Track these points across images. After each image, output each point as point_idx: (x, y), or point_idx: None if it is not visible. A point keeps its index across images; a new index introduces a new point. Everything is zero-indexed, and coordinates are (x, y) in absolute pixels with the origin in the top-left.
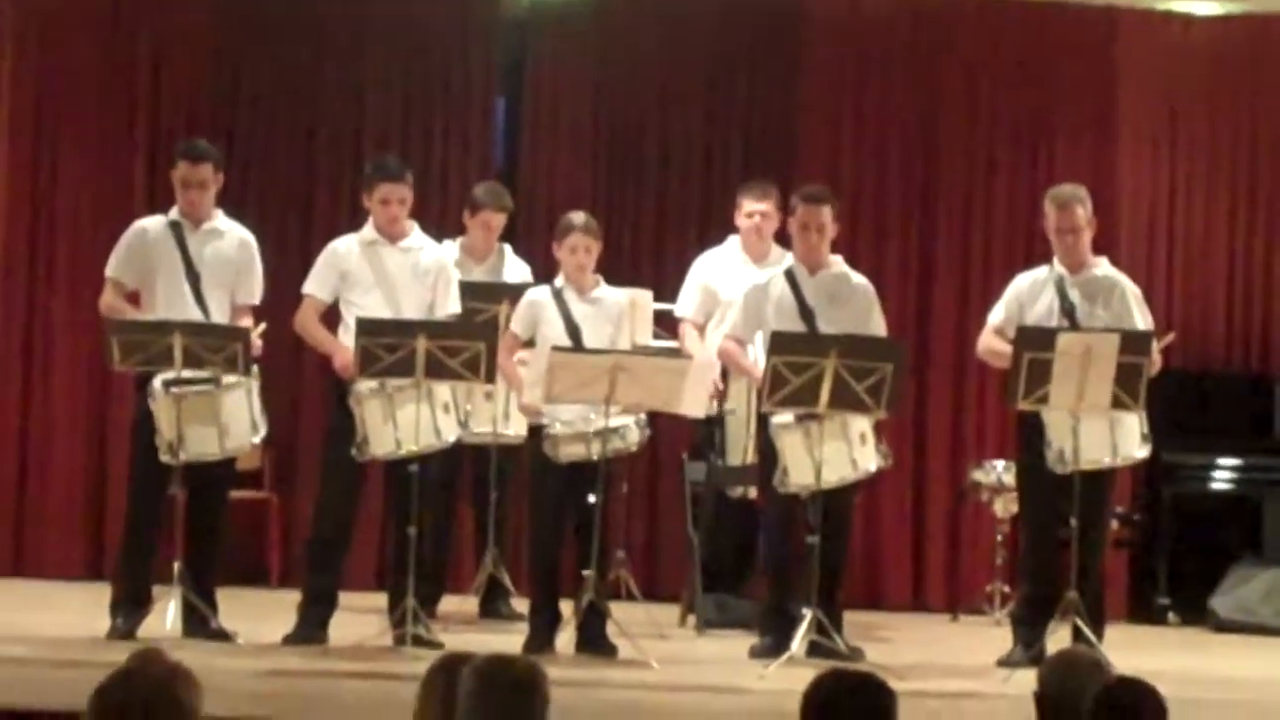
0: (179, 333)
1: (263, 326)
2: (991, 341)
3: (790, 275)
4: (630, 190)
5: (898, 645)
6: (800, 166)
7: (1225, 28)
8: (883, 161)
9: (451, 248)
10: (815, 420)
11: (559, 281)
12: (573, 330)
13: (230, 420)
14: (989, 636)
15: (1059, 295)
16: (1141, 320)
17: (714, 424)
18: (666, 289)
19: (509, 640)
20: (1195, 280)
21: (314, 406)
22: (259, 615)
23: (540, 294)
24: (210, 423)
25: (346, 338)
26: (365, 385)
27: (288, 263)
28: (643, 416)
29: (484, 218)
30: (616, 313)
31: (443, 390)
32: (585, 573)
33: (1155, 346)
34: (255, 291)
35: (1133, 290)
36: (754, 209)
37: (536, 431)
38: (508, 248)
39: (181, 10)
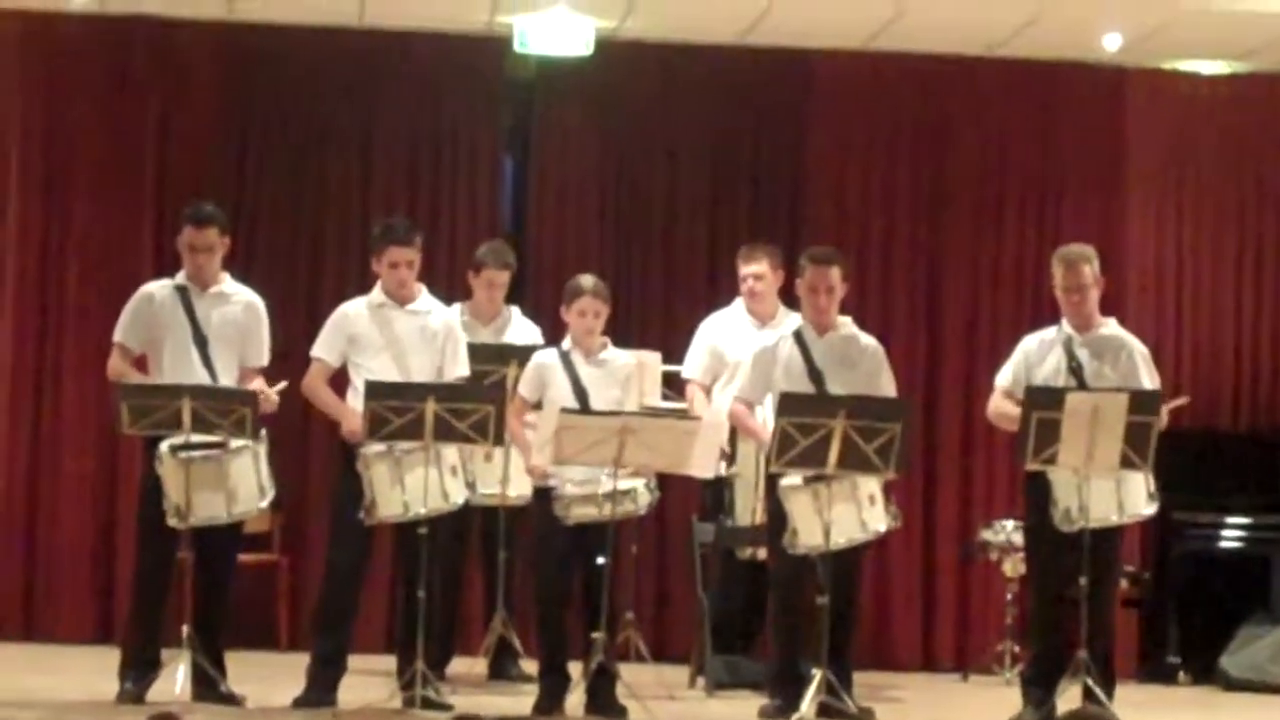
0: (188, 396)
1: (283, 385)
2: (1001, 405)
3: (799, 337)
4: (637, 250)
5: (908, 705)
6: (808, 225)
7: (1233, 87)
8: (890, 220)
9: (458, 310)
10: (824, 481)
11: (566, 344)
12: (580, 393)
13: (238, 485)
14: (999, 696)
15: (1067, 355)
16: (1149, 380)
17: (723, 485)
18: (674, 350)
19: (518, 702)
20: (1203, 338)
21: (322, 469)
22: (268, 678)
23: (548, 356)
24: (218, 488)
25: (355, 400)
26: (373, 448)
27: (296, 325)
28: (652, 480)
29: (487, 276)
30: (624, 375)
31: (451, 453)
32: (594, 634)
33: (1164, 407)
34: (263, 354)
35: (1140, 350)
36: (746, 272)
37: (544, 493)
38: (515, 309)
39: (189, 72)
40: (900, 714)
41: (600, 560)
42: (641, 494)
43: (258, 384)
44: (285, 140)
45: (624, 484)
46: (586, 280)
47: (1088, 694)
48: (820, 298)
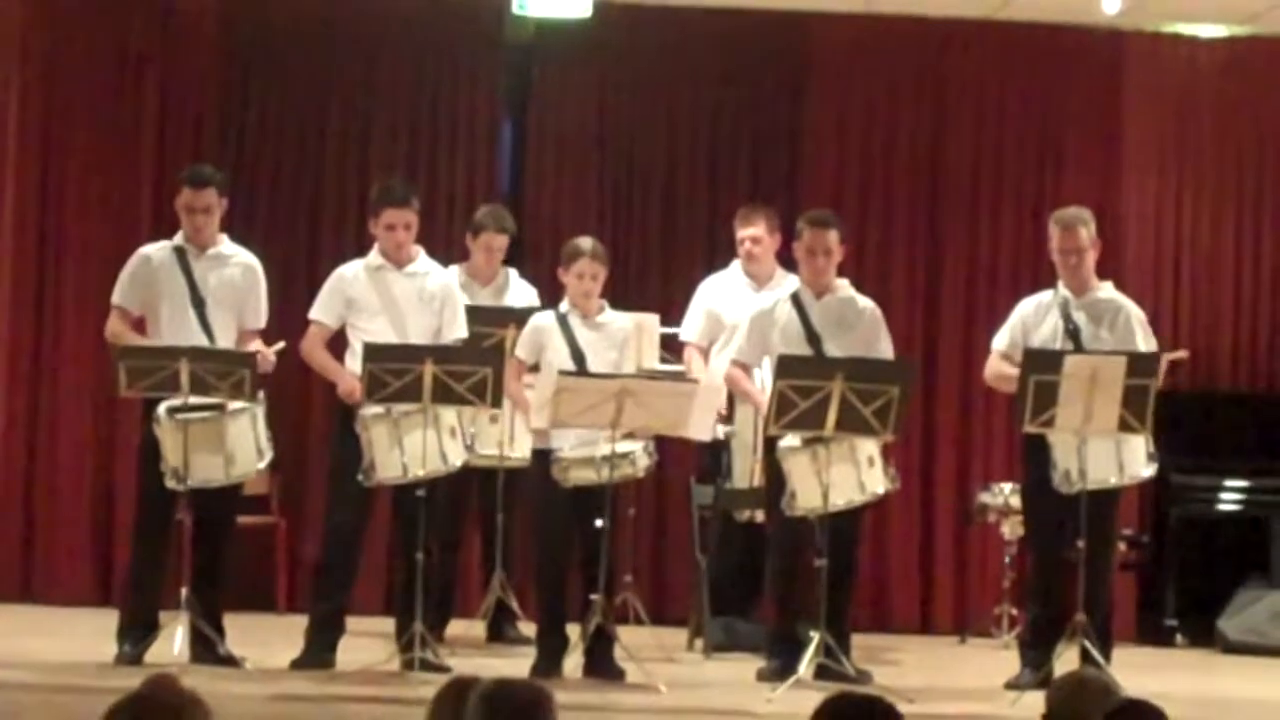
0: (186, 358)
1: (281, 345)
2: (999, 366)
3: (796, 299)
4: (636, 213)
5: (905, 668)
6: (806, 188)
7: (1232, 50)
8: (889, 183)
9: (455, 272)
10: (823, 443)
11: (564, 306)
12: (577, 355)
13: (236, 446)
14: (997, 659)
15: (1063, 318)
16: (1144, 344)
17: (721, 447)
18: (673, 312)
19: (516, 664)
20: (1202, 301)
21: (321, 432)
22: (266, 640)
23: (545, 319)
24: (216, 449)
25: (353, 363)
26: (371, 410)
27: (294, 288)
28: (650, 443)
29: (485, 240)
30: (621, 338)
31: (449, 415)
32: (593, 597)
33: (1164, 356)
34: (261, 316)
35: (1137, 314)
36: (743, 235)
37: (542, 455)
38: (513, 271)
39: (188, 37)
40: (898, 676)
41: (598, 522)
42: (639, 457)
43: (255, 345)
44: (284, 103)
45: (622, 447)
46: (584, 242)
47: (1085, 656)
48: (818, 260)
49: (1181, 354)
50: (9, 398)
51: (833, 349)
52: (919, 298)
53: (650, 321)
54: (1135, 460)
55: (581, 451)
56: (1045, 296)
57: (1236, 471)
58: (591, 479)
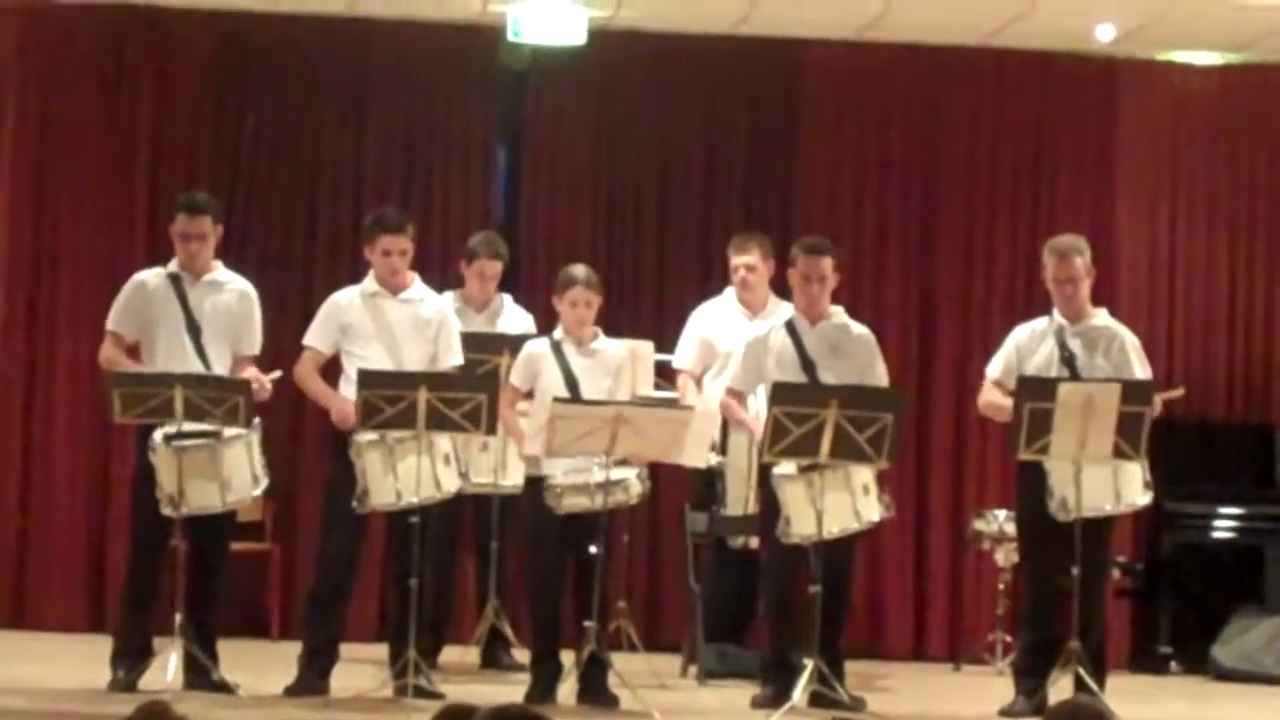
0: (180, 385)
1: (277, 373)
2: (992, 396)
3: (791, 327)
4: (630, 240)
5: (899, 695)
6: (800, 215)
7: (1224, 78)
8: (882, 210)
9: (450, 299)
10: (817, 470)
11: (558, 333)
12: (571, 382)
13: (232, 473)
14: (991, 686)
15: (1059, 345)
16: (1141, 371)
17: (715, 474)
18: (667, 339)
19: (510, 691)
20: (1196, 329)
21: (315, 458)
22: (260, 667)
23: (539, 346)
24: (212, 476)
25: (348, 389)
26: (366, 437)
27: (288, 314)
28: (644, 469)
29: (479, 266)
30: (615, 365)
31: (443, 442)
32: (586, 623)
33: (1159, 396)
34: (255, 343)
35: (1132, 341)
36: (738, 262)
37: (535, 482)
38: (508, 298)
39: (183, 62)
40: (892, 703)
41: (593, 549)
42: (633, 484)
43: (252, 372)
44: (278, 129)
45: (616, 474)
46: (578, 270)
47: (1079, 684)
48: (812, 287)
49: (1178, 392)
50: (3, 422)
51: (827, 376)
52: (913, 324)
53: (644, 349)
54: (1131, 488)
55: (575, 478)
56: (1040, 324)
57: (1230, 499)
58: (585, 506)
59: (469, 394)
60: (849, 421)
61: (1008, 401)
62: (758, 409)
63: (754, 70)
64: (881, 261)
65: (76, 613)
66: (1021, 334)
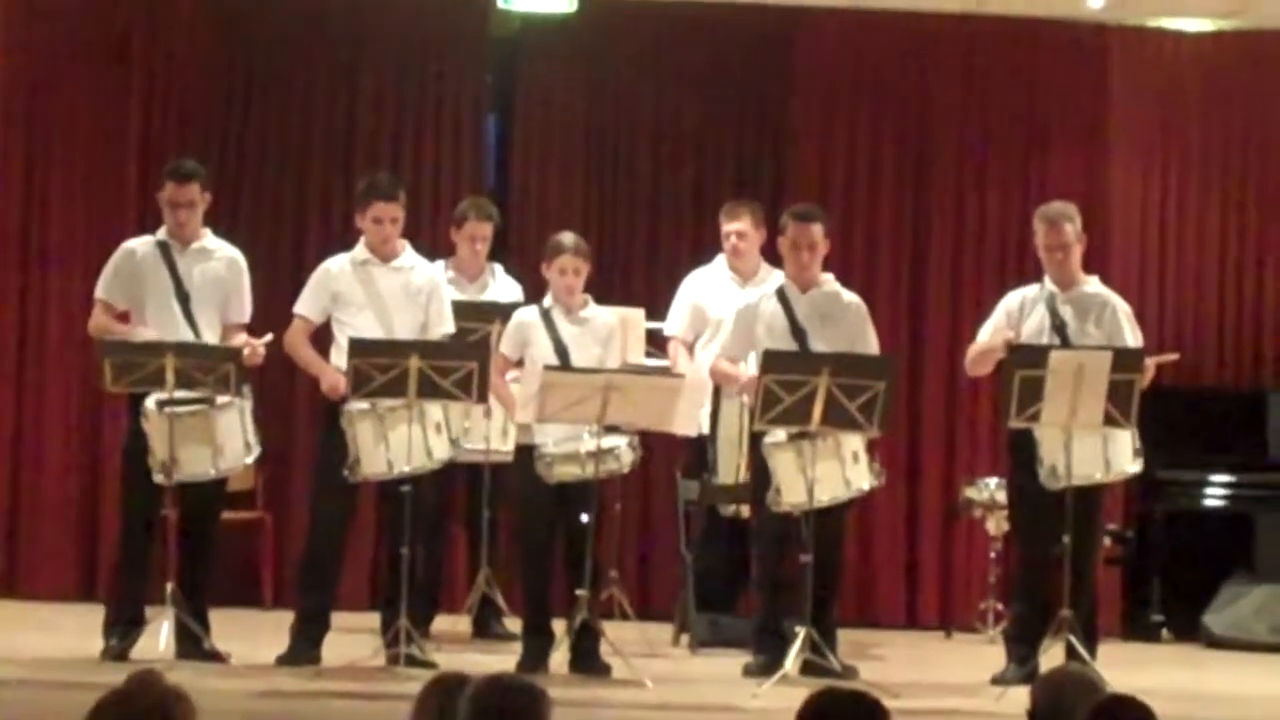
0: (171, 353)
1: (269, 337)
2: (975, 346)
3: (782, 294)
4: (622, 207)
5: (891, 663)
6: (791, 183)
7: (1217, 44)
8: (874, 178)
9: (440, 267)
10: (808, 439)
11: (547, 301)
12: (561, 350)
13: (224, 440)
14: (982, 654)
15: (1050, 313)
16: (1132, 338)
17: (705, 442)
18: (658, 307)
19: (502, 660)
20: (1188, 296)
21: (307, 426)
22: (252, 636)
23: (528, 314)
24: (204, 443)
25: (339, 357)
26: (357, 406)
27: (279, 282)
28: (635, 438)
29: (470, 229)
30: (605, 333)
31: (434, 410)
32: (578, 592)
33: (1151, 360)
34: (245, 310)
35: (1123, 308)
36: (728, 229)
37: (526, 451)
38: (499, 267)
39: (173, 31)
40: (884, 671)
41: (584, 518)
42: (624, 452)
43: (243, 338)
44: (269, 97)
45: (607, 442)
46: (566, 238)
47: (1071, 652)
48: (802, 254)
49: (1172, 356)
50: None
51: (818, 344)
52: (904, 292)
53: (636, 316)
54: (1121, 456)
55: (565, 447)
56: (1031, 290)
57: (1222, 466)
58: (576, 474)
59: (460, 362)
60: (840, 389)
61: (990, 343)
62: (749, 371)
63: (746, 38)
64: (873, 229)
65: (68, 582)
66: (1012, 301)
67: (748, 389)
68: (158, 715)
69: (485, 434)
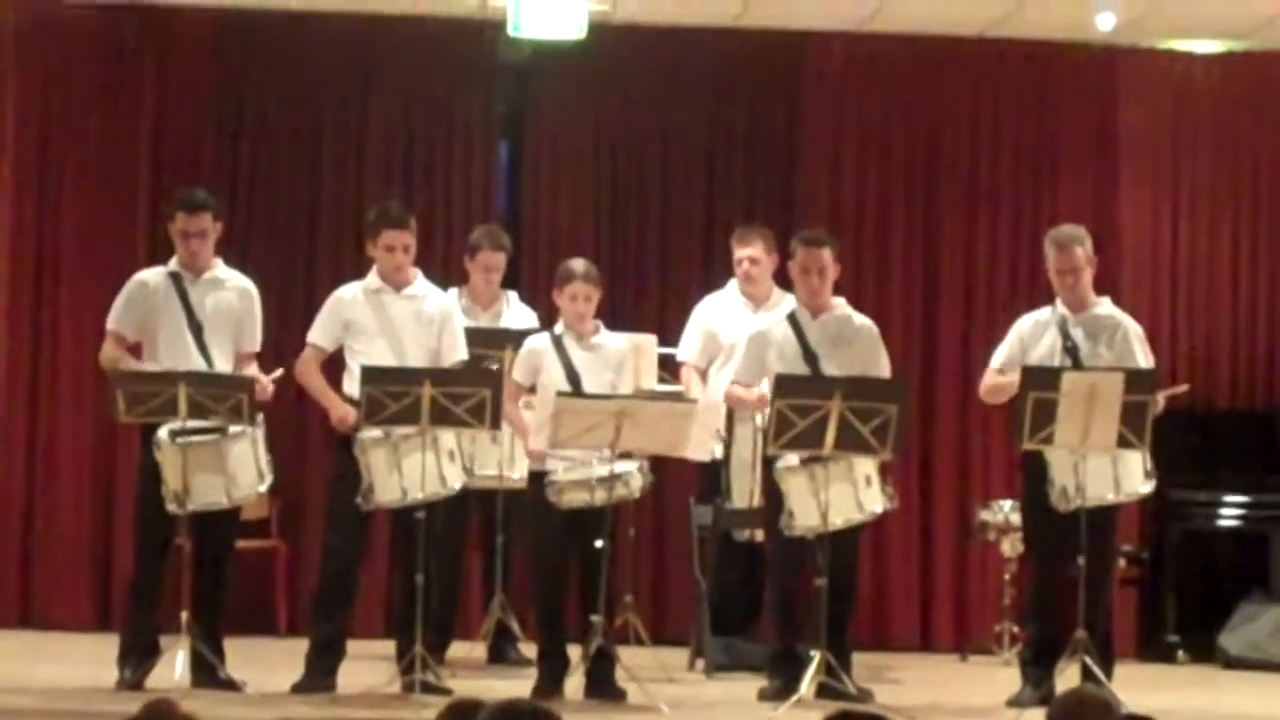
0: (184, 383)
1: (279, 373)
2: (993, 378)
3: (793, 319)
4: (633, 233)
5: (906, 686)
6: (802, 208)
7: (1226, 65)
8: (884, 202)
9: (454, 295)
10: (820, 463)
11: (559, 328)
12: (572, 377)
13: (237, 469)
14: (998, 676)
15: (1062, 335)
16: (1144, 360)
17: (719, 467)
18: (670, 333)
19: (517, 686)
20: (1199, 317)
21: (320, 454)
22: (267, 664)
23: (540, 341)
24: (217, 472)
25: (351, 386)
26: (370, 434)
27: (291, 311)
28: (645, 463)
29: (483, 259)
30: (617, 359)
31: (448, 437)
32: (593, 618)
33: (1161, 394)
34: (257, 339)
35: (1135, 330)
36: (741, 255)
37: (538, 477)
38: (513, 294)
39: (183, 58)
40: (899, 695)
41: (598, 543)
42: (635, 477)
43: (252, 370)
44: (280, 125)
45: (618, 467)
46: (577, 264)
47: (1086, 673)
48: (812, 279)
49: (1181, 388)
50: (7, 422)
51: (830, 368)
52: (916, 315)
53: (648, 342)
54: (1132, 477)
55: (575, 474)
56: (1043, 314)
57: (1236, 487)
58: (585, 500)
59: (473, 389)
60: (853, 413)
61: (1008, 380)
62: (762, 391)
63: (754, 63)
64: (884, 253)
65: (83, 612)
66: (1025, 324)
67: (761, 407)
68: None
69: (498, 460)
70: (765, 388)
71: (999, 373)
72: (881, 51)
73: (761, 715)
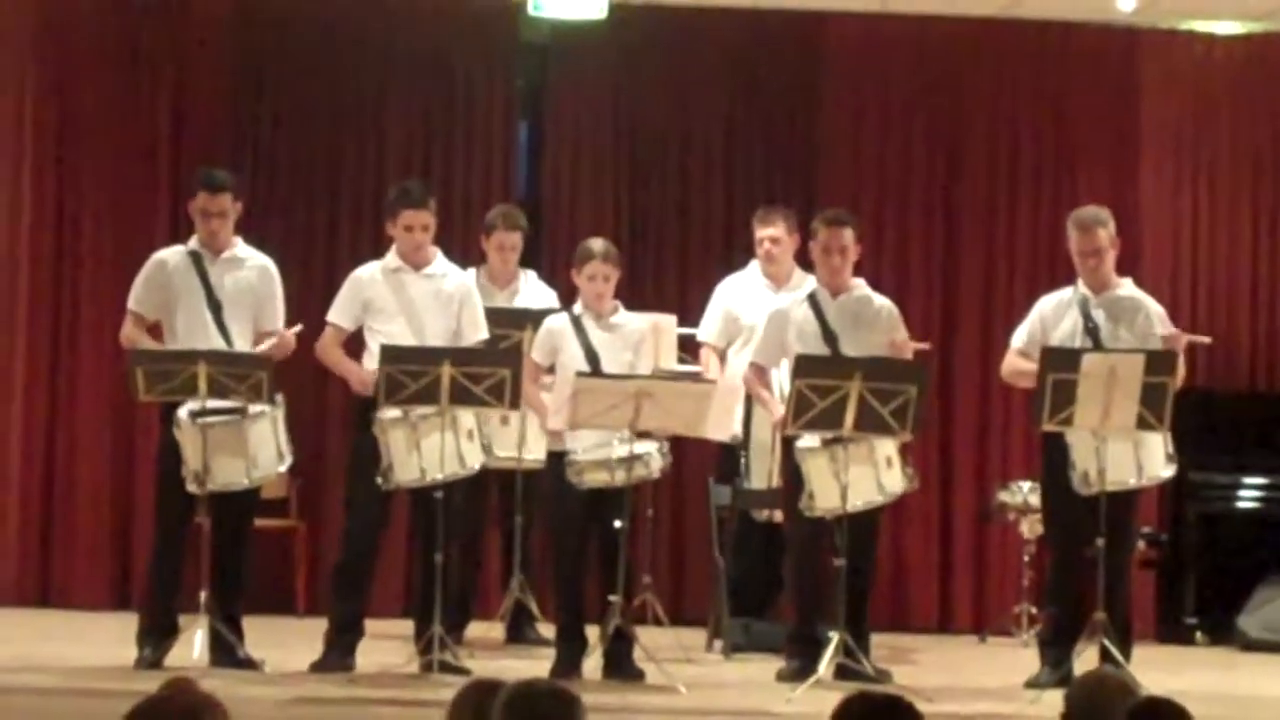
0: (204, 362)
1: (299, 327)
2: (1016, 362)
3: (813, 299)
4: (653, 214)
5: (925, 667)
6: (822, 188)
7: (1247, 47)
8: (905, 183)
9: (472, 275)
10: (841, 444)
11: (577, 308)
12: (591, 357)
13: (257, 449)
14: (1016, 658)
15: (1083, 316)
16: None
17: (738, 447)
18: (690, 313)
19: (536, 666)
20: (1219, 299)
21: (339, 434)
22: (286, 643)
23: (559, 321)
24: (237, 452)
25: (371, 365)
26: (389, 413)
27: (312, 290)
28: (665, 444)
29: (498, 239)
30: (636, 339)
31: (467, 417)
32: (611, 598)
33: (1185, 337)
34: (278, 318)
35: (1156, 311)
36: (763, 235)
37: (557, 457)
38: (531, 273)
39: (203, 40)
40: (917, 676)
41: (617, 523)
42: (654, 458)
43: (273, 339)
44: (300, 106)
45: (637, 448)
46: (596, 244)
47: (1105, 655)
48: (834, 259)
49: (1204, 339)
50: (28, 403)
51: (849, 348)
52: (936, 296)
53: (667, 322)
54: (1154, 461)
55: (595, 454)
56: (1065, 294)
57: (1255, 468)
58: (605, 481)
59: (492, 369)
60: (872, 394)
61: (1030, 366)
62: (781, 382)
63: (775, 43)
64: (904, 234)
65: (102, 591)
66: (1046, 305)
67: (772, 413)
68: None
69: (516, 440)
70: (784, 368)
71: (1020, 353)
72: (901, 31)
73: (780, 696)
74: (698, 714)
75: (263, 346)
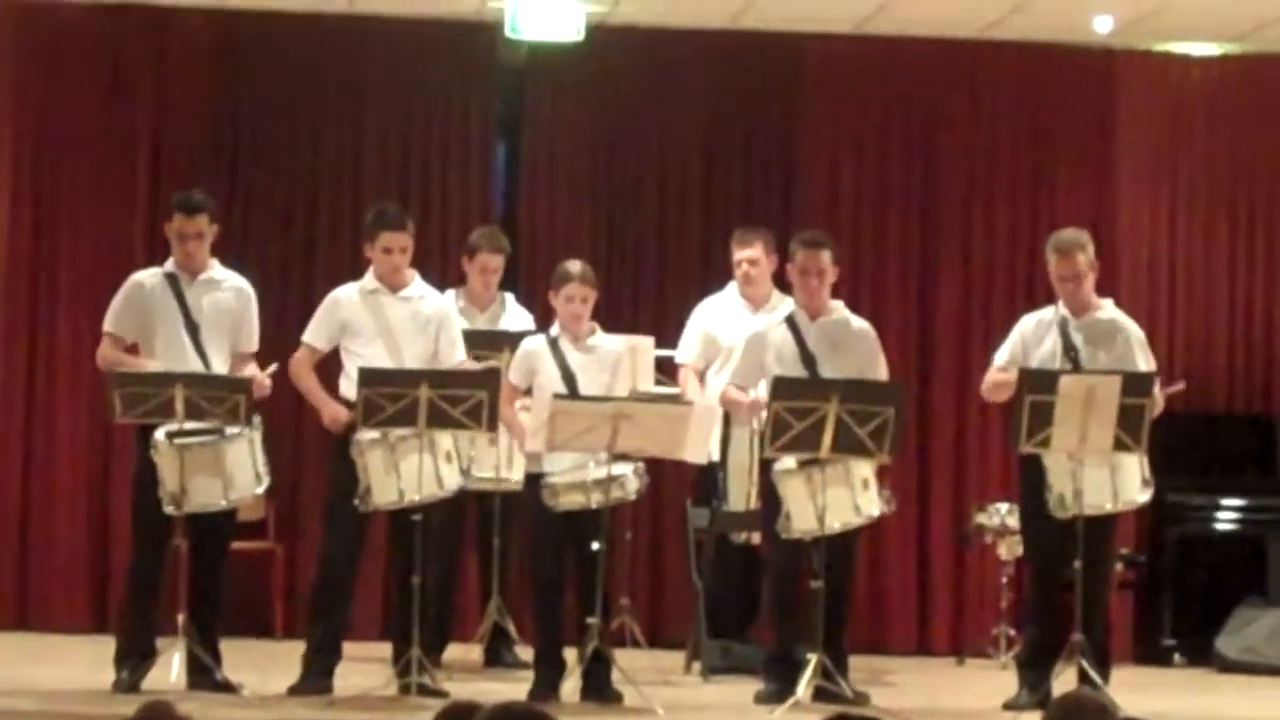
0: (181, 384)
1: (274, 367)
2: (994, 375)
3: (791, 321)
4: (630, 236)
5: (903, 689)
6: (800, 210)
7: (1223, 68)
8: (883, 203)
9: (451, 297)
10: (818, 466)
11: (555, 330)
12: (568, 378)
13: (234, 471)
14: (995, 680)
15: (1062, 337)
16: (1144, 363)
17: (716, 469)
18: (667, 335)
19: (514, 688)
20: (1196, 320)
21: (317, 456)
22: (264, 666)
23: (536, 343)
24: (214, 474)
25: (348, 387)
26: (367, 435)
27: (289, 312)
28: (641, 465)
29: (481, 261)
30: (613, 360)
31: (445, 439)
32: (589, 620)
33: (1160, 392)
34: (254, 340)
35: (1136, 334)
36: (740, 257)
37: (534, 479)
38: (510, 296)
39: (180, 59)
40: (896, 698)
41: (594, 546)
42: (630, 480)
43: (250, 369)
44: (277, 128)
45: (614, 470)
46: (573, 266)
47: (1083, 677)
48: (811, 281)
49: (1178, 386)
50: (4, 422)
51: (828, 370)
52: (913, 318)
53: (644, 344)
54: (1130, 485)
55: (571, 476)
56: (1046, 314)
57: (1233, 490)
58: (581, 503)
59: (470, 391)
60: (850, 416)
61: (1009, 377)
62: (757, 394)
63: (752, 64)
64: (882, 255)
65: (79, 614)
66: (1027, 324)
67: (756, 410)
68: None
69: (495, 462)
70: (762, 390)
71: (1001, 370)
72: (879, 53)
73: (758, 717)
74: None
75: (247, 372)
